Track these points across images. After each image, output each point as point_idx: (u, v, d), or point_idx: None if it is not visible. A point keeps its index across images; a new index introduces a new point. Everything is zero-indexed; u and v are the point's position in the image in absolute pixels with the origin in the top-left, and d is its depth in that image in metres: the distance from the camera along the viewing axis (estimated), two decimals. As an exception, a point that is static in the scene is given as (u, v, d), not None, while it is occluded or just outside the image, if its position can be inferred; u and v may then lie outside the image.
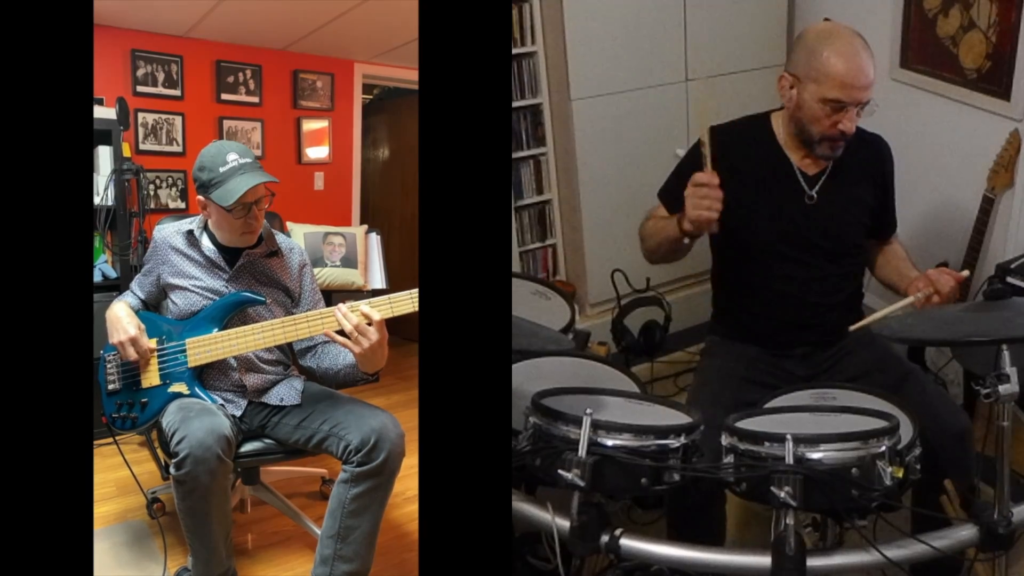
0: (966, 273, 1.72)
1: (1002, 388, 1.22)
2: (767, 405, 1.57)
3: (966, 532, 1.25)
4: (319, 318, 1.84)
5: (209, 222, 2.03)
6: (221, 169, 1.87)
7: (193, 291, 1.97)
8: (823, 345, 1.84)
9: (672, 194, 1.81)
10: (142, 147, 3.77)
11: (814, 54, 1.65)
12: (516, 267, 3.09)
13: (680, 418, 1.40)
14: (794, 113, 1.71)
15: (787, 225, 1.77)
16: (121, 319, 1.91)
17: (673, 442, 1.27)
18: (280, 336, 1.88)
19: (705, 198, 1.59)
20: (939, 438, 1.56)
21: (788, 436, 1.20)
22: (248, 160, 1.91)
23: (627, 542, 1.26)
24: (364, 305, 1.74)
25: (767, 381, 1.80)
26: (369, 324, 1.72)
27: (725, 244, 1.84)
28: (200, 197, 1.95)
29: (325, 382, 2.05)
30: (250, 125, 4.15)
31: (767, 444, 1.24)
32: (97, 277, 3.19)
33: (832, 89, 1.62)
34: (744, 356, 1.85)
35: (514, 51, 2.84)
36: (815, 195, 1.77)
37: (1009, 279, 2.09)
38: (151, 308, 2.07)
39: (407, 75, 4.68)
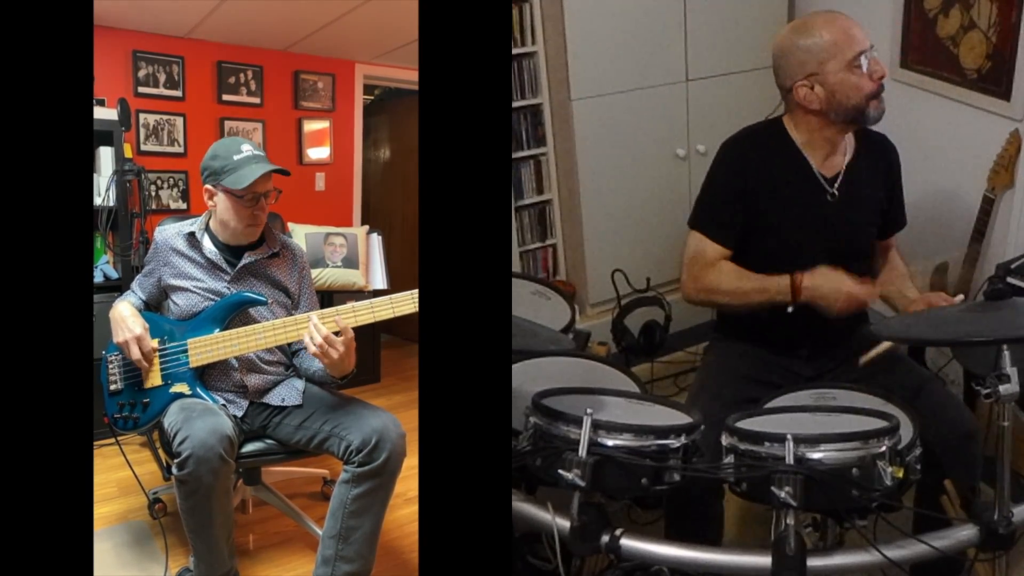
0: (960, 298, 1.75)
1: (1002, 388, 1.21)
2: (767, 405, 1.57)
3: (966, 532, 1.25)
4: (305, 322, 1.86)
5: (212, 220, 2.03)
6: (235, 157, 1.91)
7: (194, 292, 1.98)
8: (829, 347, 1.85)
9: (718, 221, 1.77)
10: (143, 148, 3.77)
11: (810, 41, 1.67)
12: (516, 267, 3.09)
13: (680, 418, 1.40)
14: (830, 102, 1.68)
15: (810, 227, 1.76)
16: (126, 318, 1.92)
17: (673, 442, 1.28)
18: (282, 337, 1.89)
19: (856, 305, 1.62)
20: (947, 438, 1.56)
21: (788, 436, 1.20)
22: (260, 153, 1.96)
23: (627, 542, 1.26)
24: (338, 317, 1.79)
25: (771, 380, 1.80)
26: (338, 335, 1.77)
27: (744, 249, 1.80)
28: (208, 187, 1.95)
29: (308, 381, 2.08)
30: (251, 126, 4.15)
31: (767, 444, 1.24)
32: (98, 278, 3.19)
33: (851, 47, 1.65)
34: (748, 355, 1.86)
35: (514, 51, 2.84)
36: (836, 192, 1.77)
37: (1009, 279, 2.09)
38: (152, 309, 2.08)
39: (408, 76, 4.68)
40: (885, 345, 1.67)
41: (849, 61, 1.65)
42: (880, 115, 1.70)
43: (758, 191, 1.74)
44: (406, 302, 1.80)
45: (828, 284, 1.63)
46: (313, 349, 1.77)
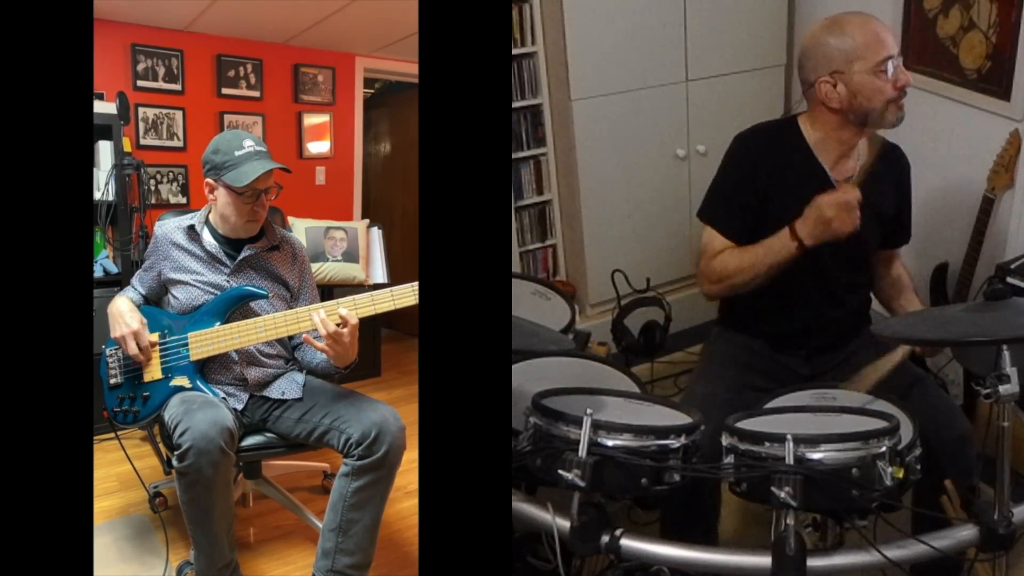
0: None
1: (1002, 388, 1.21)
2: (767, 405, 1.57)
3: (966, 532, 1.26)
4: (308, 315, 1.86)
5: (211, 213, 2.03)
6: (237, 153, 1.90)
7: (194, 286, 1.98)
8: (828, 347, 1.85)
9: (727, 214, 1.77)
10: (143, 142, 3.77)
11: (840, 40, 1.67)
12: (516, 267, 3.09)
13: (680, 418, 1.41)
14: (851, 102, 1.68)
15: None
16: (123, 313, 1.92)
17: (673, 442, 1.27)
18: (283, 330, 1.89)
19: (854, 211, 1.59)
20: (940, 442, 1.56)
21: (788, 436, 1.20)
22: (263, 149, 1.96)
23: (627, 542, 1.26)
24: (342, 308, 1.78)
25: (770, 373, 1.81)
26: (342, 326, 1.77)
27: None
28: (209, 180, 1.95)
29: (309, 373, 2.08)
30: (251, 119, 4.15)
31: (767, 444, 1.24)
32: (98, 273, 3.19)
33: (878, 51, 1.65)
34: (749, 347, 1.87)
35: (514, 51, 2.84)
36: None
37: (1009, 279, 2.10)
38: (152, 303, 2.07)
39: (408, 68, 4.68)
40: (896, 359, 1.65)
41: (876, 65, 1.64)
42: (899, 120, 1.70)
43: (768, 186, 1.74)
44: (407, 294, 1.80)
45: (811, 214, 1.62)
46: (320, 345, 1.78)
